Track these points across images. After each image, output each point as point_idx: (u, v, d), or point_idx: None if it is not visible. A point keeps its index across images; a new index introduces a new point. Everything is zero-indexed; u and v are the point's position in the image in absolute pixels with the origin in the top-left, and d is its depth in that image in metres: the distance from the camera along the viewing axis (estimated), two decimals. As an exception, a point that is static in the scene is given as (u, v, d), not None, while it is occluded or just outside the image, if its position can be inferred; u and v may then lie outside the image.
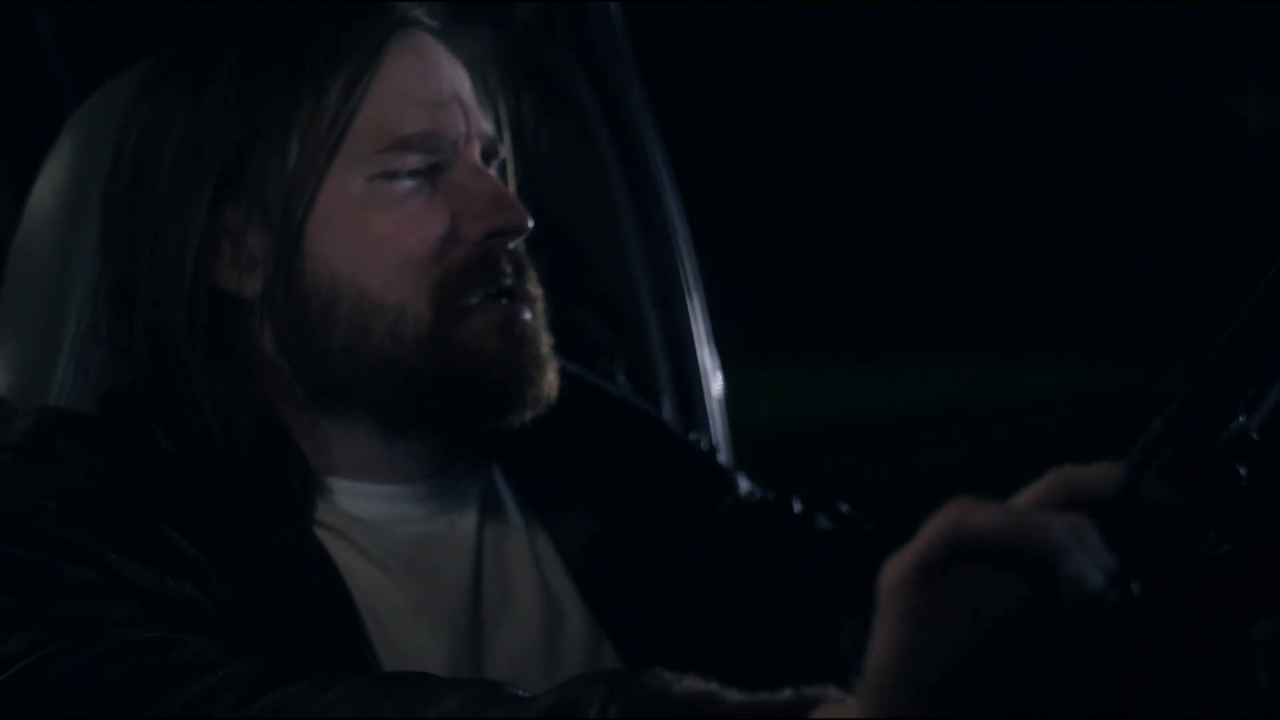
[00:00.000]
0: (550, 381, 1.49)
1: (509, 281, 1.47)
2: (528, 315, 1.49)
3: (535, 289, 1.50)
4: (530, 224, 1.48)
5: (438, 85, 1.48)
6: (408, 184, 1.46)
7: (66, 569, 1.33)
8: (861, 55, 4.29)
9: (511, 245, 1.48)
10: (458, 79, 1.50)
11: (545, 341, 1.50)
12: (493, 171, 1.51)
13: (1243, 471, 1.01)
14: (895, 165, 4.26)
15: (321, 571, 1.44)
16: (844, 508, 1.66)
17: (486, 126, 1.51)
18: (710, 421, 2.00)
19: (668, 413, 1.96)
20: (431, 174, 1.47)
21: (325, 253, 1.45)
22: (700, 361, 2.01)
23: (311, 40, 1.47)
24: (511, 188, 1.55)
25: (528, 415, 1.48)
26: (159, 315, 1.46)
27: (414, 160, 1.46)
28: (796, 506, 1.64)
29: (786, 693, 1.08)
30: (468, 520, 1.53)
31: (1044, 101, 4.36)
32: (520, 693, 1.18)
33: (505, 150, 1.55)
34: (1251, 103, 3.96)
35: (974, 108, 4.34)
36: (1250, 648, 1.17)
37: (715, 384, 2.03)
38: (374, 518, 1.49)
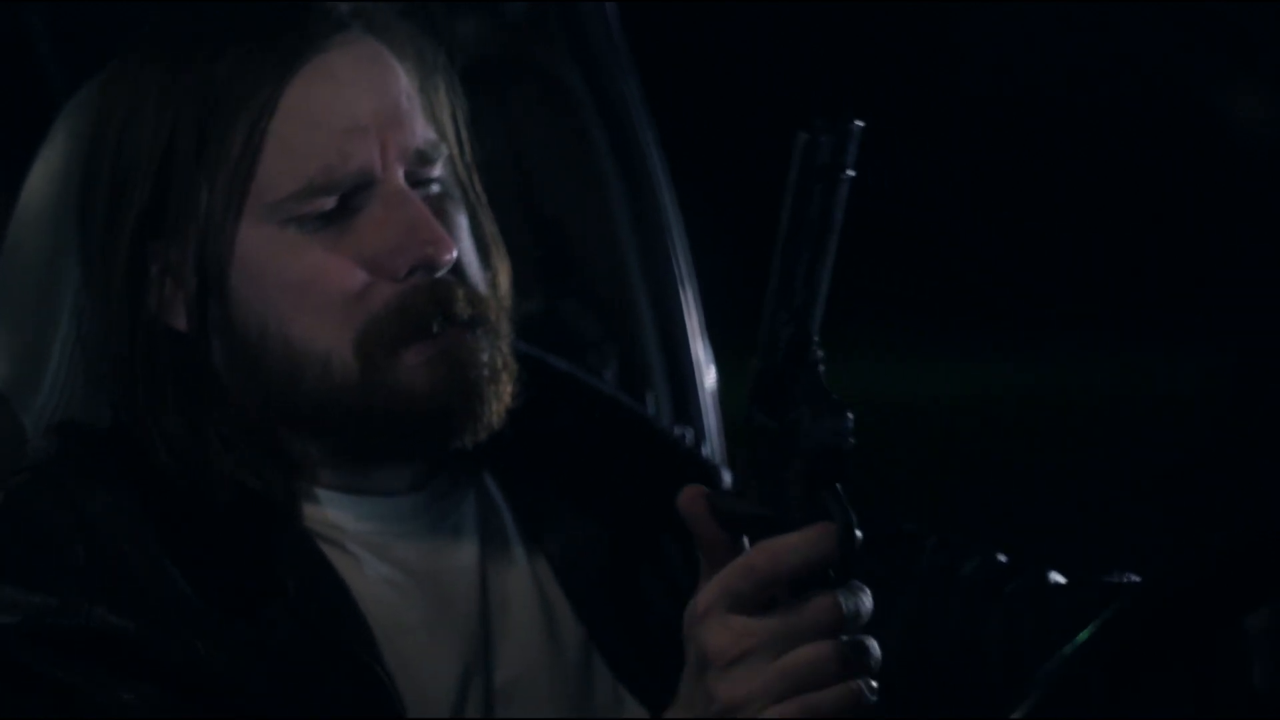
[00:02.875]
0: (495, 405, 1.44)
1: (436, 327, 1.42)
2: (470, 337, 1.44)
3: (480, 307, 1.45)
4: (453, 254, 1.42)
5: (348, 112, 1.42)
6: (321, 226, 1.41)
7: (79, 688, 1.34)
8: (857, 51, 4.29)
9: (440, 274, 1.42)
10: (379, 94, 1.43)
11: (490, 361, 1.45)
12: (435, 186, 1.45)
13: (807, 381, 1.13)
14: (890, 160, 4.26)
15: (334, 593, 1.43)
16: None
17: (416, 140, 1.44)
18: (703, 415, 2.00)
19: (660, 406, 1.96)
20: (347, 210, 1.42)
21: (250, 298, 1.43)
22: (694, 355, 2.01)
23: (216, 74, 1.42)
24: (465, 180, 1.50)
25: (473, 439, 1.45)
26: (111, 348, 1.46)
27: (324, 202, 1.41)
28: None
29: None
30: (468, 529, 1.52)
31: (1036, 102, 4.36)
32: None
33: (451, 151, 1.49)
34: (1242, 104, 3.96)
35: (966, 103, 4.34)
36: (1245, 642, 1.18)
37: (709, 377, 2.03)
38: (377, 532, 1.48)
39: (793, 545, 1.16)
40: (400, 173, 1.43)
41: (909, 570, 1.54)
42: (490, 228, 1.52)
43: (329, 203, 1.41)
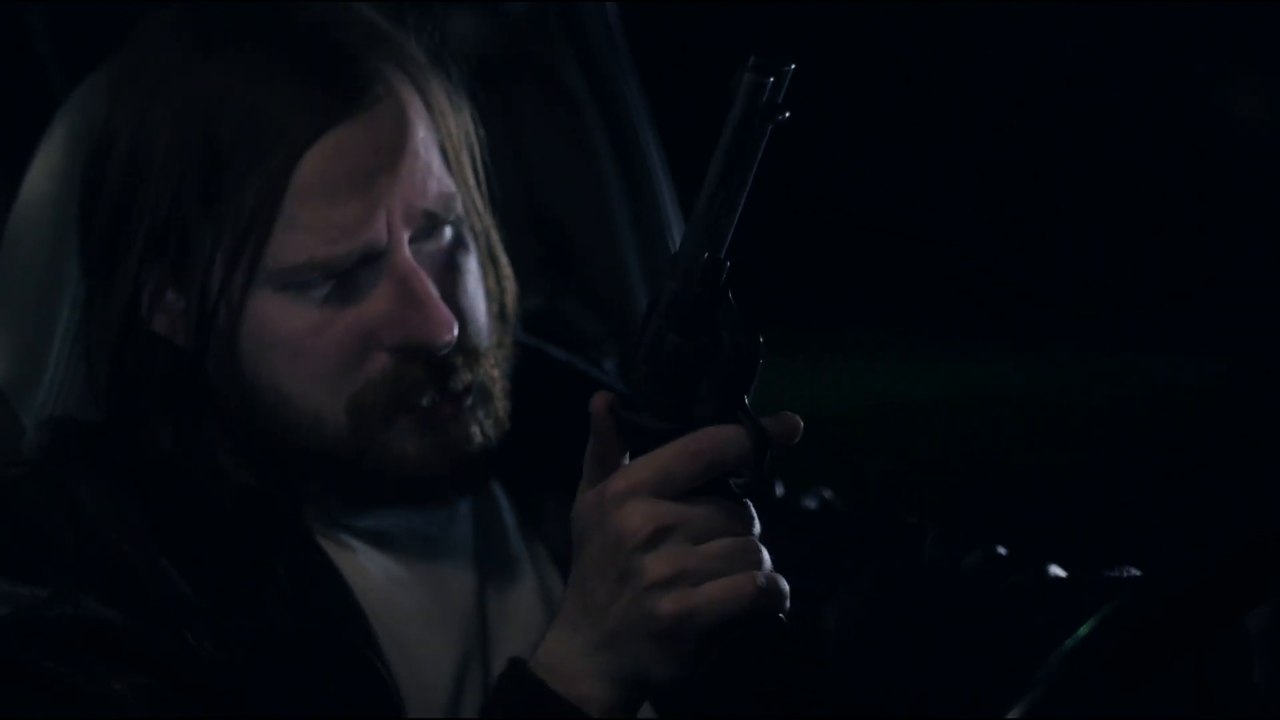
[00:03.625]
0: (483, 464, 1.45)
1: (427, 401, 1.42)
2: (463, 408, 1.43)
3: (476, 370, 1.44)
4: (453, 336, 1.41)
5: (359, 188, 1.39)
6: (323, 290, 1.40)
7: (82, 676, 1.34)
8: (857, 51, 4.29)
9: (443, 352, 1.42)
10: (394, 160, 1.40)
11: (481, 431, 1.44)
12: (447, 231, 1.43)
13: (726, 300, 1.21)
14: (891, 158, 4.25)
15: (331, 588, 1.44)
16: (828, 493, 1.65)
17: (427, 200, 1.41)
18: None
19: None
20: (351, 275, 1.40)
21: (248, 349, 1.42)
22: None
23: (232, 120, 1.39)
24: (478, 213, 1.49)
25: (459, 497, 1.47)
26: (104, 354, 1.45)
27: (327, 271, 1.40)
28: (779, 490, 1.63)
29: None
30: (464, 519, 1.52)
31: (1036, 102, 4.37)
32: None
33: (467, 185, 1.48)
34: (1243, 104, 3.96)
35: (966, 103, 4.34)
36: (1246, 640, 1.18)
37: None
38: (375, 528, 1.48)
39: (731, 437, 1.22)
40: (407, 238, 1.41)
41: (910, 565, 1.54)
42: (502, 258, 1.51)
43: (335, 269, 1.40)
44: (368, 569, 1.46)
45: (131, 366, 1.44)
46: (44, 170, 1.60)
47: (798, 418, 1.25)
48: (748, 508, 1.25)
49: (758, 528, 1.25)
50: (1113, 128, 4.22)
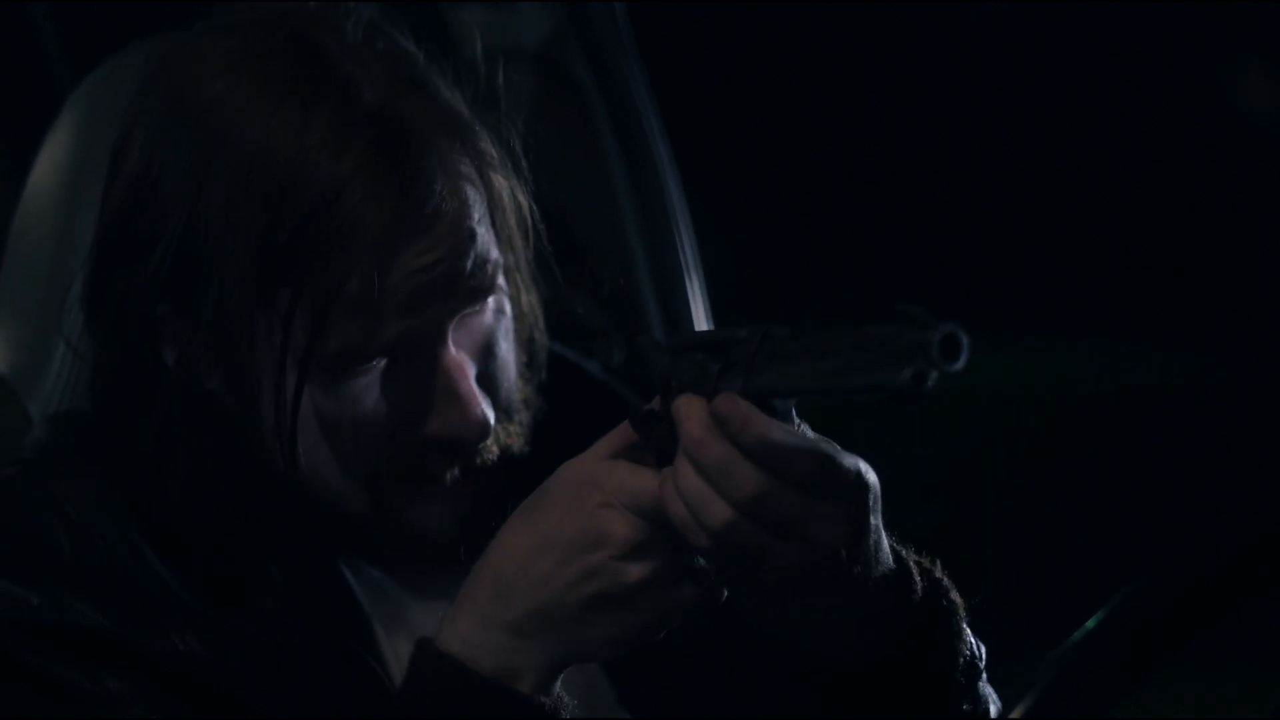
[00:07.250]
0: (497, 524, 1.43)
1: (449, 480, 1.42)
2: (483, 483, 1.43)
3: (502, 441, 1.44)
4: (489, 434, 1.41)
5: (414, 292, 1.37)
6: (366, 377, 1.39)
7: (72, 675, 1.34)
8: (863, 41, 4.30)
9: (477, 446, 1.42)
10: (450, 260, 1.38)
11: (498, 497, 1.42)
12: (489, 301, 1.42)
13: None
14: (894, 149, 4.26)
15: (328, 584, 1.44)
16: None
17: (476, 279, 1.40)
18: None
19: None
20: (396, 362, 1.39)
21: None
22: (700, 344, 2.01)
23: (306, 217, 1.34)
24: (522, 264, 1.49)
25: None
26: (117, 381, 1.42)
27: (372, 358, 1.39)
28: None
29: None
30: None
31: (1040, 97, 4.37)
32: None
33: (514, 246, 1.47)
34: (1253, 94, 3.97)
35: (970, 96, 4.35)
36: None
37: (714, 367, 2.03)
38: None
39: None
40: (452, 327, 1.40)
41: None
42: (538, 310, 1.51)
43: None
44: (367, 571, 1.46)
45: (162, 416, 1.42)
46: (51, 162, 1.60)
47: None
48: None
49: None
50: (1121, 120, 4.22)
